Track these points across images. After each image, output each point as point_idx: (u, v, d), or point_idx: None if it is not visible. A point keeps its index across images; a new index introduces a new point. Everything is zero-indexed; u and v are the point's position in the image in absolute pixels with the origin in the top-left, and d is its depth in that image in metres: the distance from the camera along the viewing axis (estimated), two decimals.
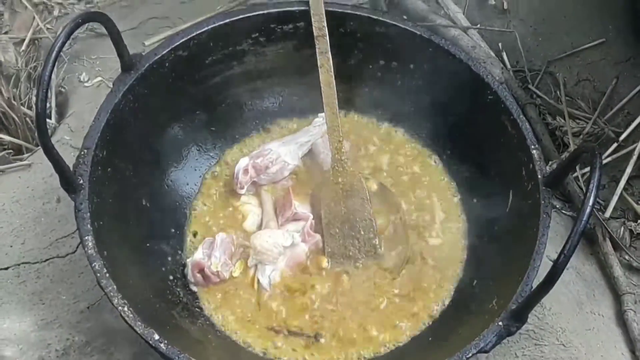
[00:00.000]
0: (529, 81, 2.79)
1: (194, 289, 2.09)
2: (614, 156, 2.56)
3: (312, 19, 2.14)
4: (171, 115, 2.22)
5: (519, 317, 1.74)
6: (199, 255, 2.08)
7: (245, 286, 2.11)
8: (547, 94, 2.75)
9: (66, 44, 1.70)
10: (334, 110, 2.16)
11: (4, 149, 2.59)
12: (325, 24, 2.13)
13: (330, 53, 2.13)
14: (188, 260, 2.11)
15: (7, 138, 2.61)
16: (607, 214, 2.45)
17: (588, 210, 1.52)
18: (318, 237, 2.16)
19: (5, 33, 2.86)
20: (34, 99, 2.68)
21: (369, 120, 2.44)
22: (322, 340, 2.03)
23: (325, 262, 2.15)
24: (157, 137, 2.19)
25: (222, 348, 1.99)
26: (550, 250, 2.22)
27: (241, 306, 2.08)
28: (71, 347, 2.09)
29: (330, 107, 2.16)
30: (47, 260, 2.24)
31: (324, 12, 2.15)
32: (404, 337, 2.04)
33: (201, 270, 2.07)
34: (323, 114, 2.20)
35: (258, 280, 2.10)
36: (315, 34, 2.13)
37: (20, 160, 2.52)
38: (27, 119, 2.66)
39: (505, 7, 2.93)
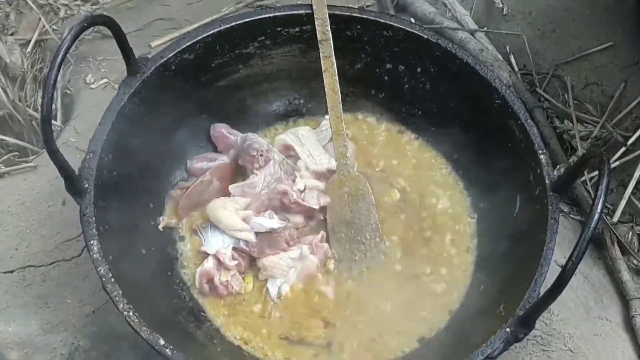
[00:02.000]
0: (537, 84, 2.77)
1: (199, 301, 2.09)
2: (622, 160, 2.54)
3: (316, 23, 2.13)
4: (177, 118, 2.22)
5: (527, 323, 1.73)
6: (208, 264, 2.07)
7: (253, 295, 2.10)
8: (555, 98, 2.73)
9: (72, 46, 1.69)
10: (338, 114, 2.16)
11: (10, 151, 2.58)
12: (329, 27, 2.13)
13: (334, 57, 2.12)
14: (197, 269, 2.09)
15: (12, 140, 2.60)
16: (615, 218, 2.44)
17: (596, 217, 1.51)
18: (326, 246, 2.15)
19: (11, 34, 2.86)
20: (39, 100, 2.68)
21: (376, 124, 2.42)
22: (333, 348, 2.02)
23: (331, 265, 2.14)
24: (162, 140, 2.19)
25: (228, 353, 1.98)
26: (558, 255, 2.21)
27: (248, 313, 2.07)
28: (76, 352, 2.08)
29: (335, 111, 2.16)
30: (52, 263, 2.23)
31: (327, 16, 2.14)
32: (412, 343, 2.03)
33: (210, 280, 2.06)
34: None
35: (267, 290, 2.09)
36: (319, 37, 2.12)
37: (26, 162, 2.52)
38: (33, 121, 2.65)
39: (505, 12, 2.92)
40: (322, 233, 2.16)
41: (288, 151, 2.25)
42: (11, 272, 2.22)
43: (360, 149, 2.37)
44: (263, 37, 2.23)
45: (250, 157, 2.17)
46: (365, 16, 2.22)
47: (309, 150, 2.23)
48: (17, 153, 2.57)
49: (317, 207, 2.14)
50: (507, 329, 1.74)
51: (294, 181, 2.17)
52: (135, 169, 2.06)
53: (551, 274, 1.76)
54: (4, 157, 2.54)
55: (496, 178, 2.18)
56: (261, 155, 2.17)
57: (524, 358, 2.10)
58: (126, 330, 1.77)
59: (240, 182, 2.20)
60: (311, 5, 2.16)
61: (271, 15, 2.20)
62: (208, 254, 2.09)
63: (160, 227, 2.16)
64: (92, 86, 2.74)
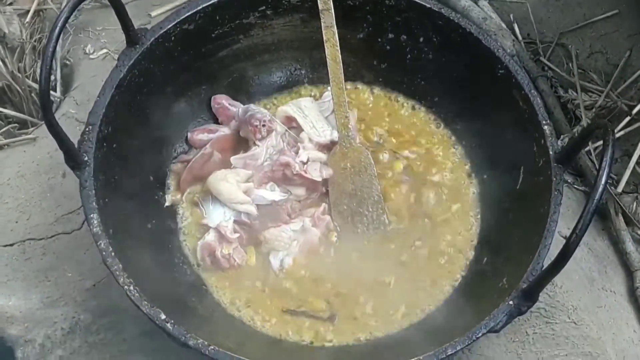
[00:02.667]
0: (541, 53, 2.75)
1: (200, 274, 2.08)
2: (627, 130, 2.52)
3: None
4: (177, 90, 2.20)
5: (530, 296, 1.72)
6: (210, 237, 2.06)
7: (255, 268, 2.09)
8: (559, 67, 2.71)
9: (71, 16, 1.67)
10: (340, 85, 2.13)
11: (9, 123, 2.57)
12: None
13: (336, 27, 2.09)
14: (199, 242, 2.09)
15: (11, 113, 2.59)
16: (620, 188, 2.42)
17: (600, 188, 1.49)
18: (328, 218, 2.14)
19: (10, 4, 2.83)
20: (38, 71, 2.65)
21: (378, 94, 2.40)
22: (335, 321, 2.01)
23: (333, 238, 2.13)
24: (163, 112, 2.17)
25: (230, 327, 1.97)
26: (561, 226, 2.19)
27: (250, 286, 2.06)
28: (77, 326, 2.08)
29: (337, 82, 2.13)
30: (52, 236, 2.23)
31: None
32: (415, 316, 2.03)
33: (211, 254, 2.05)
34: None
35: (269, 262, 2.08)
36: (320, 7, 2.08)
37: (26, 134, 2.50)
38: (32, 92, 2.63)
39: None
40: (324, 205, 2.15)
41: (290, 122, 2.23)
42: (11, 245, 2.21)
43: (362, 118, 2.35)
44: (264, 7, 2.21)
45: (253, 127, 2.15)
46: None
47: (312, 122, 2.21)
48: (16, 125, 2.56)
49: (319, 179, 2.12)
50: (511, 302, 1.73)
51: (296, 153, 2.15)
52: (135, 141, 2.05)
53: (555, 246, 1.75)
54: (4, 129, 2.52)
55: (499, 149, 2.17)
56: (264, 125, 2.15)
57: (527, 331, 2.09)
58: (127, 305, 1.76)
59: (242, 154, 2.18)
60: None
61: None
62: (209, 227, 2.08)
63: (166, 204, 2.16)
64: (91, 56, 2.72)
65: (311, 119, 2.22)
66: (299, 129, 2.22)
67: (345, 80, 2.15)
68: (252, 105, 2.26)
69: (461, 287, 2.06)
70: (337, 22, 2.08)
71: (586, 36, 2.72)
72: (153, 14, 2.78)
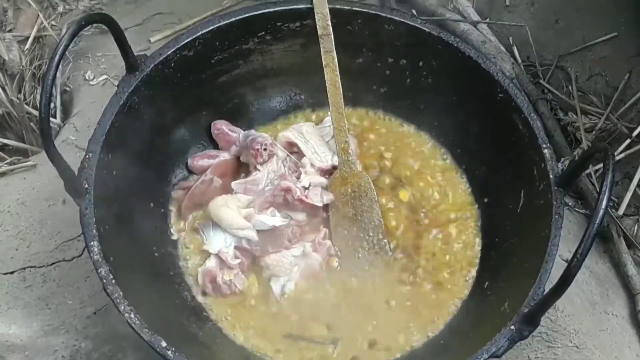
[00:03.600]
0: (540, 76, 2.75)
1: (202, 301, 2.08)
2: (627, 152, 2.51)
3: (316, 17, 2.11)
4: (177, 116, 2.20)
5: (532, 320, 1.71)
6: (211, 263, 2.06)
7: (256, 294, 2.09)
8: (558, 89, 2.71)
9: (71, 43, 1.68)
10: (340, 110, 2.14)
11: (9, 151, 2.58)
12: (329, 22, 2.10)
13: (335, 52, 2.10)
14: (200, 268, 2.08)
15: (12, 143, 2.59)
16: (621, 211, 2.42)
17: (601, 213, 1.50)
18: (329, 243, 2.14)
19: (9, 31, 2.84)
20: (38, 98, 2.66)
21: (377, 118, 2.40)
22: (338, 347, 2.00)
23: (335, 262, 2.12)
24: (163, 139, 2.17)
25: (231, 353, 1.97)
26: (563, 249, 2.19)
27: (252, 313, 2.06)
28: (78, 353, 2.07)
29: (336, 107, 2.14)
30: (53, 264, 2.22)
31: (327, 10, 2.12)
32: (416, 342, 2.02)
33: (213, 280, 2.04)
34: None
35: (271, 288, 2.08)
36: (319, 32, 2.10)
37: (26, 161, 2.50)
38: (32, 119, 2.64)
39: (508, 3, 2.89)
40: (325, 230, 2.15)
41: (291, 148, 2.24)
42: (11, 273, 2.21)
43: (362, 142, 2.35)
44: (263, 33, 2.21)
45: (254, 151, 2.15)
46: (366, 10, 2.19)
47: (314, 147, 2.22)
48: (19, 158, 2.56)
49: (320, 204, 2.12)
50: (512, 327, 1.73)
51: (298, 178, 2.15)
52: (136, 168, 2.05)
53: (556, 269, 1.75)
54: (6, 161, 2.52)
55: (500, 173, 2.17)
56: (265, 149, 2.15)
57: (529, 355, 2.09)
58: (128, 332, 1.76)
59: (243, 179, 2.18)
60: (311, 0, 2.14)
61: (271, 10, 2.18)
62: (210, 253, 2.07)
63: (173, 237, 2.16)
64: (91, 82, 2.73)
65: (312, 144, 2.22)
66: (300, 154, 2.22)
67: (345, 105, 2.16)
68: (252, 131, 2.27)
69: (462, 312, 2.05)
70: (336, 47, 2.09)
71: (585, 59, 2.72)
72: (153, 39, 2.79)
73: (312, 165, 2.18)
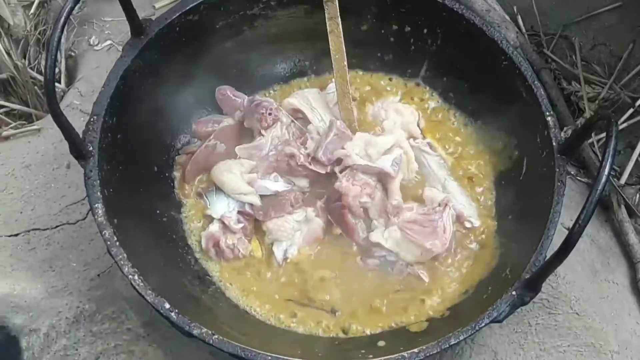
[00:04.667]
0: (544, 45, 2.75)
1: (205, 264, 2.09)
2: (630, 122, 2.52)
3: None
4: (181, 80, 2.20)
5: (533, 286, 1.73)
6: (214, 227, 2.07)
7: (259, 258, 2.10)
8: (562, 59, 2.71)
9: (76, 7, 1.68)
10: (344, 76, 2.14)
11: (13, 115, 2.58)
12: None
13: (339, 18, 2.09)
14: (202, 233, 2.10)
15: (16, 107, 2.59)
16: (623, 180, 2.43)
17: (603, 179, 1.50)
18: None
19: None
20: (43, 63, 2.66)
21: (383, 84, 2.40)
22: (338, 313, 2.01)
23: (337, 230, 2.12)
24: (167, 103, 2.18)
25: (234, 317, 1.98)
26: (564, 217, 2.21)
27: (254, 277, 2.07)
28: (81, 315, 2.09)
29: (340, 73, 2.14)
30: (57, 226, 2.23)
31: None
32: (420, 308, 2.02)
33: (216, 244, 2.06)
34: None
35: (273, 253, 2.08)
36: None
37: (30, 125, 2.50)
38: (37, 83, 2.64)
39: None
40: (327, 196, 2.14)
41: (296, 114, 2.24)
42: (16, 235, 2.22)
43: (367, 108, 2.35)
44: None
45: (259, 115, 2.16)
46: None
47: (320, 114, 2.21)
48: (23, 122, 2.56)
49: (323, 171, 2.12)
50: (513, 292, 1.74)
51: (302, 144, 2.15)
52: (140, 132, 2.06)
53: (558, 237, 1.75)
54: (11, 125, 2.53)
55: (503, 140, 2.17)
56: (270, 114, 2.15)
57: (530, 321, 2.10)
58: (131, 294, 1.77)
59: (247, 144, 2.18)
60: None
61: None
62: (213, 218, 2.08)
63: (177, 201, 2.17)
64: (96, 48, 2.72)
65: (319, 111, 2.22)
66: (305, 120, 2.21)
67: (349, 70, 2.17)
68: (257, 96, 2.27)
69: (465, 278, 2.06)
70: (340, 14, 2.09)
71: (589, 28, 2.72)
72: (157, 5, 2.78)
73: (318, 132, 2.18)
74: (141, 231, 1.95)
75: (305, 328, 1.99)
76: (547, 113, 1.97)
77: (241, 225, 2.08)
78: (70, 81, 2.68)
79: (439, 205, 2.05)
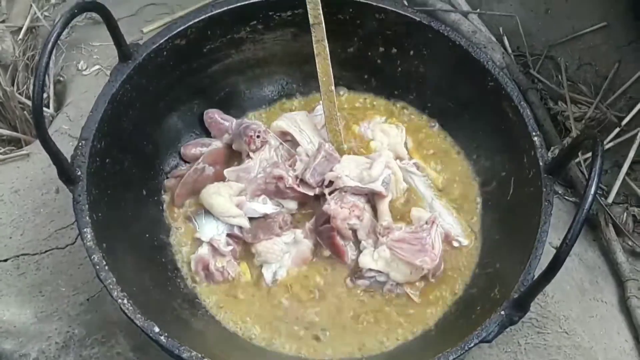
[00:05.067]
0: (530, 66, 2.77)
1: (193, 287, 2.09)
2: (617, 141, 2.54)
3: (308, 6, 2.10)
4: (169, 104, 2.21)
5: (522, 306, 1.73)
6: (203, 250, 2.07)
7: (248, 281, 2.10)
8: (548, 79, 2.73)
9: (64, 32, 1.68)
10: (331, 98, 2.15)
11: (2, 140, 2.58)
12: (321, 11, 2.09)
13: (326, 41, 2.10)
14: (192, 256, 2.10)
15: (5, 132, 2.60)
16: (610, 199, 2.44)
17: (590, 199, 1.51)
18: None
19: (2, 22, 2.84)
20: (31, 88, 2.67)
21: (369, 106, 2.42)
22: (327, 334, 2.01)
23: (326, 252, 2.12)
24: (155, 127, 2.19)
25: (224, 339, 1.98)
26: (552, 237, 2.21)
27: (244, 299, 2.06)
28: (71, 340, 2.08)
29: (328, 95, 2.15)
30: (46, 251, 2.23)
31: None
32: (408, 329, 2.03)
33: (205, 267, 2.06)
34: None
35: (262, 275, 2.08)
36: (311, 21, 2.09)
37: (19, 150, 2.51)
38: (25, 109, 2.64)
39: None
40: (316, 218, 2.15)
41: (284, 137, 2.24)
42: (5, 260, 2.21)
43: (353, 129, 2.36)
44: (255, 22, 2.22)
45: (248, 137, 2.15)
46: None
47: (309, 136, 2.22)
48: (13, 148, 2.57)
49: (311, 193, 2.12)
50: (502, 312, 1.74)
51: (291, 166, 2.15)
52: (128, 156, 2.06)
53: (545, 256, 1.75)
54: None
55: (490, 160, 2.18)
56: (258, 136, 2.16)
57: (519, 341, 2.10)
58: (121, 318, 1.77)
59: (235, 167, 2.19)
60: None
61: None
62: (202, 241, 2.08)
63: (167, 225, 2.17)
64: (84, 73, 2.73)
65: (307, 133, 2.23)
66: (293, 142, 2.22)
67: (337, 90, 2.19)
68: (245, 120, 2.28)
69: (455, 299, 2.06)
70: (327, 36, 2.10)
71: (575, 48, 2.74)
72: (145, 30, 2.79)
73: (307, 155, 2.18)
74: (130, 255, 1.94)
75: (294, 350, 1.99)
76: (534, 133, 1.98)
77: (230, 247, 2.08)
78: (58, 106, 2.69)
79: (426, 223, 2.05)
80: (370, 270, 2.04)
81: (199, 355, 1.68)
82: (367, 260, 2.03)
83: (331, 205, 2.04)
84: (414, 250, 2.01)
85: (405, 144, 2.30)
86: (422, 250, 2.01)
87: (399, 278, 2.03)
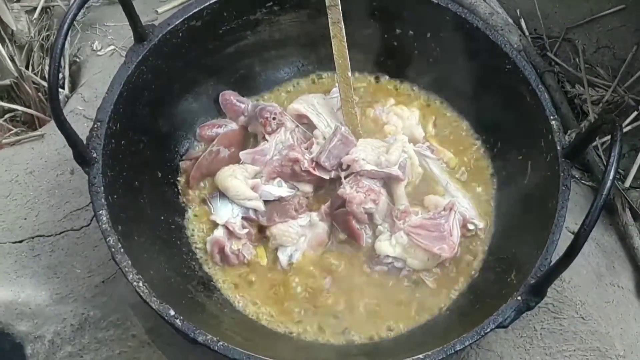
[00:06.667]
0: (548, 48, 2.74)
1: (209, 270, 2.09)
2: (634, 124, 2.51)
3: None
4: (184, 86, 2.21)
5: (538, 291, 1.72)
6: (219, 233, 2.07)
7: (264, 265, 2.10)
8: (566, 62, 2.70)
9: (79, 13, 1.68)
10: (347, 81, 2.14)
11: (17, 121, 2.58)
12: None
13: (343, 23, 2.08)
14: (207, 238, 2.09)
15: (20, 109, 2.59)
16: (627, 183, 2.42)
17: (609, 184, 1.50)
18: None
19: (18, 1, 2.82)
20: (46, 68, 2.66)
21: (387, 89, 2.40)
22: (343, 318, 2.01)
23: (342, 235, 2.11)
24: (170, 109, 2.18)
25: (239, 323, 1.98)
26: (569, 221, 2.20)
27: (259, 282, 2.07)
28: (86, 322, 2.09)
29: (344, 78, 2.14)
30: (61, 233, 2.23)
31: None
32: (424, 314, 2.03)
33: (221, 250, 2.05)
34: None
35: (278, 258, 2.08)
36: (327, 3, 2.08)
37: (34, 131, 2.50)
38: (40, 89, 2.64)
39: None
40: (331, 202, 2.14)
41: (301, 119, 2.23)
42: (20, 242, 2.21)
43: (369, 112, 2.35)
44: (271, 3, 2.22)
45: (264, 119, 2.15)
46: None
47: (326, 119, 2.21)
48: (24, 129, 2.56)
49: (327, 177, 2.11)
50: (519, 298, 1.74)
51: (307, 149, 2.15)
52: (143, 138, 2.06)
53: (563, 241, 1.75)
54: (12, 132, 2.53)
55: (507, 144, 2.17)
56: (274, 118, 2.15)
57: (535, 326, 2.09)
58: (136, 300, 1.77)
59: (251, 149, 2.18)
60: None
61: None
62: (218, 224, 2.08)
63: (182, 207, 2.17)
64: (99, 53, 2.72)
65: (325, 116, 2.22)
66: (310, 124, 2.21)
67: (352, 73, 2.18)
68: (260, 101, 2.27)
69: (470, 283, 2.06)
70: (343, 18, 2.08)
71: (593, 31, 2.71)
72: (160, 10, 2.78)
73: (324, 137, 2.17)
74: (145, 237, 1.94)
75: (309, 334, 1.99)
76: (551, 117, 1.97)
77: (246, 230, 2.08)
78: (73, 87, 2.68)
79: (444, 209, 2.05)
80: (388, 256, 2.03)
81: (214, 338, 1.68)
82: (385, 246, 2.03)
83: (346, 190, 2.03)
84: (432, 237, 2.00)
85: (424, 127, 2.28)
86: (440, 238, 2.00)
87: (415, 265, 2.03)
